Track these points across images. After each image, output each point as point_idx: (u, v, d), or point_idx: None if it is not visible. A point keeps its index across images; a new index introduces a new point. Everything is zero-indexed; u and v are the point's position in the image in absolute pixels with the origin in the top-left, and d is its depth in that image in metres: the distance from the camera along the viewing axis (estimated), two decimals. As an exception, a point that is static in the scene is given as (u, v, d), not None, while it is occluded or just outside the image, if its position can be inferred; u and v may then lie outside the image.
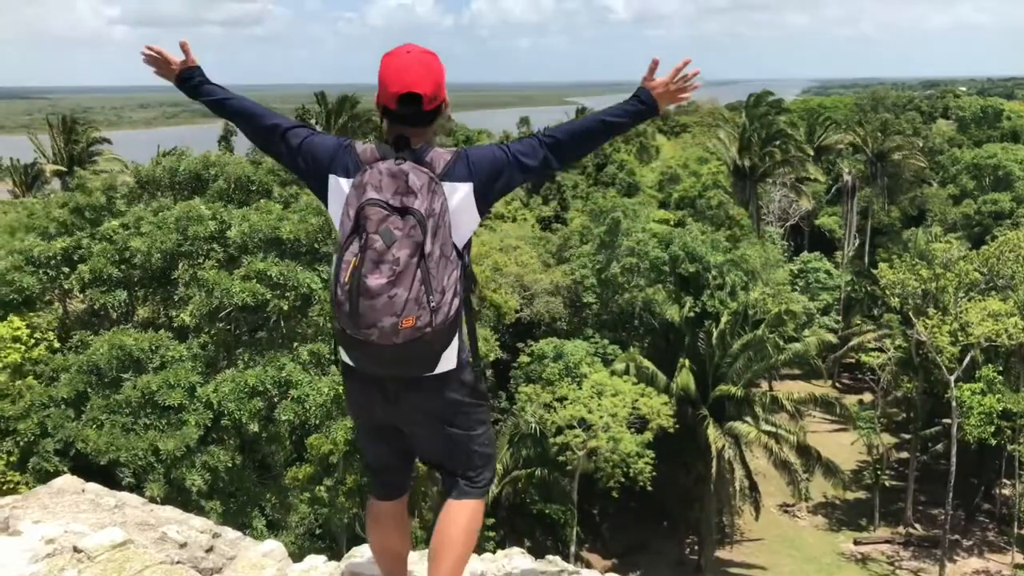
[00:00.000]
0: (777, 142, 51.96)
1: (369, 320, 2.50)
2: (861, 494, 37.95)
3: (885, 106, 79.60)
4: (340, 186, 2.70)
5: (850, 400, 39.46)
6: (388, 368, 2.70)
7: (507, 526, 27.35)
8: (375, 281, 2.48)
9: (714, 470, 29.72)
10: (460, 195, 2.69)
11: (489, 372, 31.11)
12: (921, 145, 60.47)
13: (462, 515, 2.93)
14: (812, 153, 56.88)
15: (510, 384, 31.58)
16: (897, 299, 34.73)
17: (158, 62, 3.04)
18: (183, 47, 3.02)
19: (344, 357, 2.79)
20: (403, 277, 2.49)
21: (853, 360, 43.95)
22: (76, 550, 3.62)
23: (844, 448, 38.08)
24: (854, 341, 40.64)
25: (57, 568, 3.54)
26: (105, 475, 14.15)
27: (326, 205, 2.81)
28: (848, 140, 60.10)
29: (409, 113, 2.68)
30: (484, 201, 2.75)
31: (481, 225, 2.63)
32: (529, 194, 50.76)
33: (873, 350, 39.30)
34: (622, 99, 2.97)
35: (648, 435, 27.56)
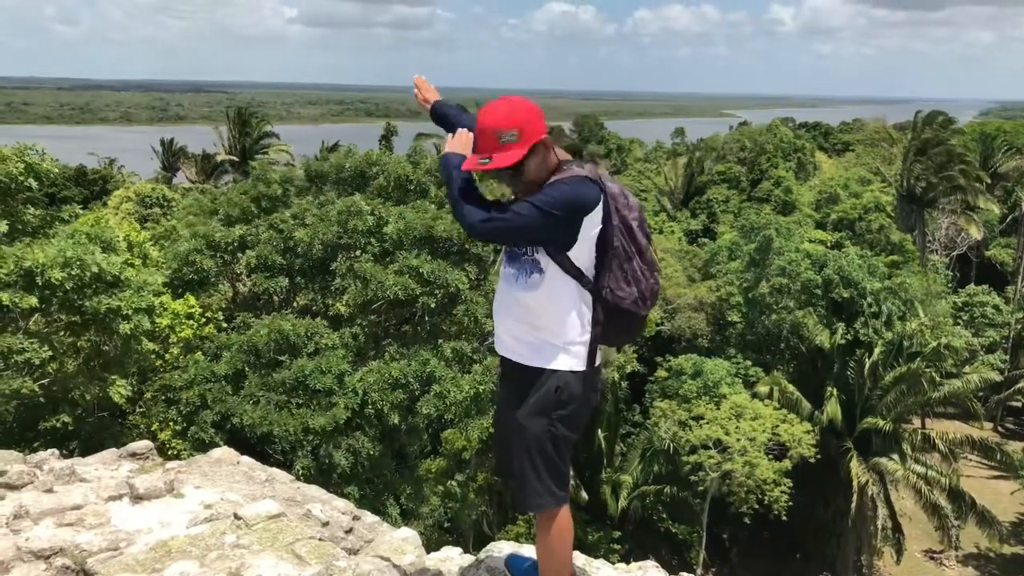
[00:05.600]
0: (953, 166, 48.95)
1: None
2: (1020, 549, 35.20)
3: (1075, 131, 73.33)
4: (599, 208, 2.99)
5: (1014, 447, 36.68)
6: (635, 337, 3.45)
7: (633, 540, 27.09)
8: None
9: (854, 506, 28.36)
10: None
11: (624, 384, 30.91)
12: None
13: None
14: (987, 180, 53.22)
15: (645, 398, 31.24)
16: (1075, 342, 32.10)
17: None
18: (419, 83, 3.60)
19: (589, 359, 3.08)
20: None
21: (1020, 404, 40.86)
22: (236, 517, 3.92)
23: (1003, 497, 35.42)
24: (1022, 383, 37.72)
25: (219, 532, 3.83)
26: (254, 450, 14.97)
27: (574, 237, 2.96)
28: (1026, 167, 55.78)
29: None
30: None
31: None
32: (677, 207, 50.00)
33: (1044, 395, 36.43)
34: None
35: (787, 463, 26.62)
